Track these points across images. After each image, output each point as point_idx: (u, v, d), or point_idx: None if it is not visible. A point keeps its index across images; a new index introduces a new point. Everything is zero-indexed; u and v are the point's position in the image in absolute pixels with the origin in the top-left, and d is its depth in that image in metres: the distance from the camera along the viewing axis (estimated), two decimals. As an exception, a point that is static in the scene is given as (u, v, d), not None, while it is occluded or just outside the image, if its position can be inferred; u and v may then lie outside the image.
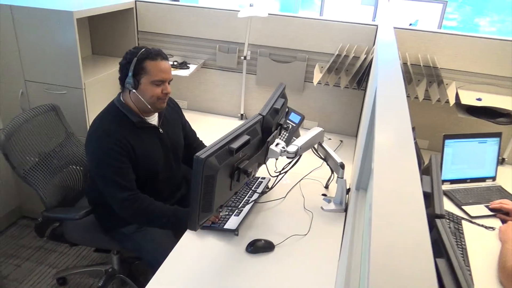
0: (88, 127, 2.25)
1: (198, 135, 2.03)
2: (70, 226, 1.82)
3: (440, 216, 1.16)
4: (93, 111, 2.25)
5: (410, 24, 3.67)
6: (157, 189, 1.71)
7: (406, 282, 0.45)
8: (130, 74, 1.59)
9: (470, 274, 1.46)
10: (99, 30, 2.62)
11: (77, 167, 2.07)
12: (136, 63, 1.59)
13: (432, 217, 1.17)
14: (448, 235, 1.08)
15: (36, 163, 1.85)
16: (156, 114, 1.74)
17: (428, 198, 1.26)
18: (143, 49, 1.61)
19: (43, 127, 1.96)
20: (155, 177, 1.71)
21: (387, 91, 1.11)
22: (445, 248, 1.04)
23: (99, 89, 2.30)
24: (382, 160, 0.74)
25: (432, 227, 1.15)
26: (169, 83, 1.66)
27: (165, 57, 1.65)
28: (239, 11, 2.26)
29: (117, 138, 1.57)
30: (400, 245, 0.51)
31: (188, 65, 2.51)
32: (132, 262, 2.20)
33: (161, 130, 1.74)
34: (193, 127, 2.02)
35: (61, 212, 1.79)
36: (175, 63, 2.49)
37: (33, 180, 1.75)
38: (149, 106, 1.64)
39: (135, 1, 2.51)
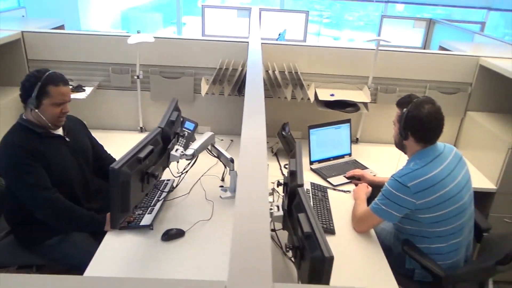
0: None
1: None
2: (-9, 250, 1.92)
3: (300, 185, 1.61)
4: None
5: (280, 34, 4.25)
6: (74, 195, 1.92)
7: (254, 227, 0.82)
8: (33, 95, 1.79)
9: (333, 226, 1.97)
10: (-15, 61, 2.65)
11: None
12: (40, 87, 1.79)
13: (296, 186, 1.62)
14: (306, 197, 1.54)
15: None
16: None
17: (294, 174, 1.72)
18: (46, 74, 1.82)
19: None
20: (70, 182, 1.92)
21: (251, 98, 1.53)
22: (304, 206, 1.49)
23: (-3, 119, 2.37)
24: (244, 149, 1.14)
25: (296, 193, 1.60)
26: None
27: (66, 82, 1.89)
28: (127, 36, 2.52)
29: (26, 147, 1.78)
30: (250, 201, 0.91)
31: (83, 88, 2.69)
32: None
33: (67, 139, 1.96)
34: (98, 144, 2.25)
35: (-21, 238, 1.90)
36: (70, 87, 2.65)
37: None
38: (49, 124, 1.86)
39: (22, 31, 2.61)
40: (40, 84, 1.79)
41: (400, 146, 1.94)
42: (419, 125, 1.79)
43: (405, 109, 1.82)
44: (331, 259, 1.24)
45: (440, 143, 1.89)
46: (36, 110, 1.81)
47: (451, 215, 1.79)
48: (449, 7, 6.54)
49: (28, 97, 1.80)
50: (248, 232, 0.78)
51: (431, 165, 1.78)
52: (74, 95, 2.56)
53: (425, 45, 4.97)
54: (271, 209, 1.67)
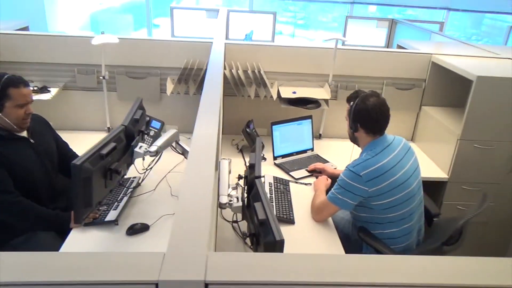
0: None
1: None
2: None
3: (258, 177, 1.70)
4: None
5: (246, 35, 4.34)
6: (38, 195, 1.95)
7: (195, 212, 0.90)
8: None
9: (293, 216, 2.06)
10: None
11: None
12: (1, 90, 1.83)
13: (253, 178, 1.71)
14: (262, 187, 1.62)
15: None
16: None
17: (253, 167, 1.81)
18: (5, 77, 1.85)
19: None
20: (34, 183, 1.95)
21: (209, 96, 1.61)
22: (260, 196, 1.58)
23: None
24: (196, 143, 1.22)
25: (254, 184, 1.68)
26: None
27: (26, 84, 1.93)
28: (92, 37, 2.56)
29: None
30: (194, 184, 0.99)
31: (48, 89, 2.70)
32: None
33: (32, 141, 1.99)
34: (65, 144, 2.27)
35: None
36: (35, 88, 2.66)
37: None
38: (14, 126, 1.89)
39: (-16, 33, 2.61)
40: (0, 88, 1.82)
41: (353, 139, 2.05)
42: (366, 116, 1.91)
43: (352, 103, 1.94)
44: (281, 242, 1.34)
45: (390, 136, 2.01)
46: (0, 114, 1.83)
47: (401, 201, 1.91)
48: (417, 8, 6.80)
49: None
50: (190, 209, 0.86)
51: (380, 155, 1.90)
52: (38, 96, 2.57)
53: (388, 44, 5.17)
54: (230, 200, 1.75)
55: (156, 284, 0.64)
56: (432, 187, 2.63)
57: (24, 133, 1.98)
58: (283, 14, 7.27)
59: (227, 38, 4.65)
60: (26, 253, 0.70)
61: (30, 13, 4.99)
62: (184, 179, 0.98)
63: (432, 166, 2.74)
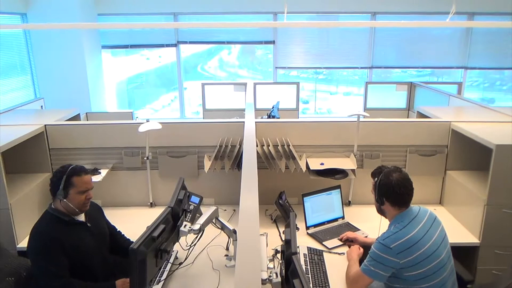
0: (16, 241, 2.58)
1: (117, 226, 2.51)
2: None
3: (295, 253, 1.84)
4: (20, 225, 2.58)
5: (273, 106, 4.64)
6: (93, 274, 2.15)
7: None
8: (61, 187, 2.10)
9: (329, 287, 2.16)
10: (11, 151, 2.96)
11: (11, 278, 2.36)
12: (66, 179, 2.12)
13: (290, 255, 1.85)
14: (299, 264, 1.76)
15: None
16: (83, 214, 2.23)
17: (289, 243, 1.96)
18: (69, 168, 2.15)
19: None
20: (90, 264, 2.16)
21: (246, 172, 1.82)
22: (298, 273, 1.71)
23: (23, 204, 2.64)
24: (243, 220, 1.41)
25: (291, 261, 1.82)
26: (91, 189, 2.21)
27: (87, 172, 2.21)
28: (137, 124, 2.87)
29: (52, 235, 2.05)
30: (249, 269, 1.16)
31: (99, 170, 3.00)
32: None
33: (89, 224, 2.23)
34: (111, 220, 2.49)
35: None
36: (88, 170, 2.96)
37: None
38: (76, 210, 2.15)
39: (45, 125, 2.97)
40: (65, 177, 2.11)
41: (380, 211, 2.19)
42: (390, 191, 2.06)
43: (376, 179, 2.11)
44: (321, 319, 1.46)
45: (415, 207, 2.14)
46: (65, 200, 2.10)
47: (432, 271, 1.99)
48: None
49: (56, 189, 2.10)
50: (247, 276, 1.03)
51: (409, 227, 2.02)
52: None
53: (409, 105, 5.37)
54: (270, 276, 1.89)
55: None
56: (465, 252, 2.67)
57: (82, 218, 2.22)
58: (304, 70, 7.54)
59: (255, 108, 4.99)
60: None
61: (77, 97, 5.55)
62: (237, 254, 1.16)
63: (462, 231, 2.80)
